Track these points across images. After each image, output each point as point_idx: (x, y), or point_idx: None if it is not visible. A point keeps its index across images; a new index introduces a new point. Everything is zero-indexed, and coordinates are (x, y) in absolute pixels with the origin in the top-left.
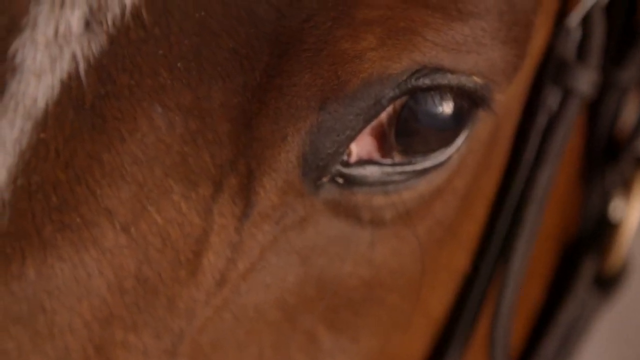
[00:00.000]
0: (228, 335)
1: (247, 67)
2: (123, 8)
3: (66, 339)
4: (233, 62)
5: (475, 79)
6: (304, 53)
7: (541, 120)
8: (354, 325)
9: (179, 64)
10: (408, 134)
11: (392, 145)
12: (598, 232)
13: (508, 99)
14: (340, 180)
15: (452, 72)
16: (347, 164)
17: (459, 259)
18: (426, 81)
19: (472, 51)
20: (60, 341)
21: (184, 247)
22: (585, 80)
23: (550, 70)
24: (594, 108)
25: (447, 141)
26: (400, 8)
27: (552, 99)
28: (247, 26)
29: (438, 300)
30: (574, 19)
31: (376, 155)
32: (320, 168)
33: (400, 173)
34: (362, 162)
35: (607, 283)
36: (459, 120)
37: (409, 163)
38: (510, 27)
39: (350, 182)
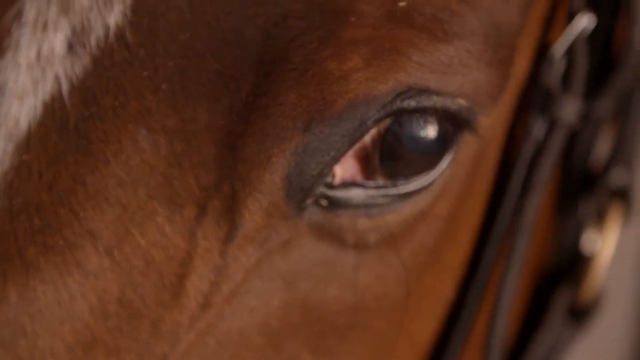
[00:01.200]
0: None
1: (233, 89)
2: (107, 30)
3: None
4: (218, 83)
5: (460, 101)
6: (290, 73)
7: (527, 149)
8: (339, 351)
9: (163, 86)
10: (392, 157)
11: (376, 168)
12: (572, 263)
13: (492, 125)
14: (324, 203)
15: (437, 94)
16: (331, 186)
17: (443, 284)
18: (411, 103)
19: (458, 72)
20: None
21: (167, 270)
22: (570, 110)
23: (536, 99)
24: (570, 139)
25: (431, 165)
26: (386, 28)
27: (538, 128)
28: (233, 47)
29: (423, 326)
30: (559, 48)
31: (360, 178)
32: (304, 190)
33: (384, 196)
34: (346, 185)
35: (581, 314)
36: (443, 143)
37: (393, 186)
38: (495, 49)
39: (334, 204)
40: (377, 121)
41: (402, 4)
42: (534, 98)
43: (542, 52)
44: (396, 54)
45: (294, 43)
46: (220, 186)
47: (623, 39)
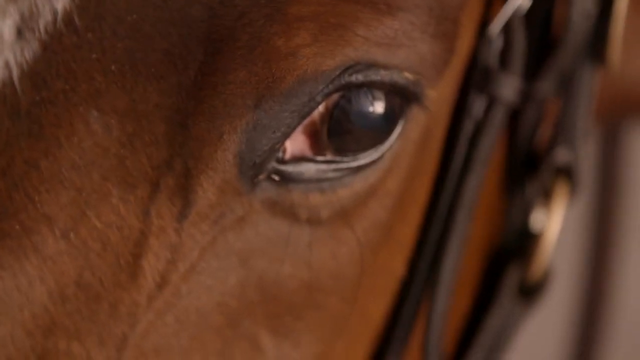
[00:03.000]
0: (172, 341)
1: (181, 67)
2: (55, 14)
3: (8, 350)
4: (167, 62)
5: (407, 75)
6: (238, 51)
7: (467, 127)
8: (296, 329)
9: (113, 68)
10: (340, 132)
11: (325, 143)
12: (521, 242)
13: (438, 100)
14: (277, 178)
15: (384, 67)
16: (282, 161)
17: (395, 263)
18: (359, 77)
19: (403, 45)
20: (2, 352)
21: (124, 250)
22: (508, 88)
23: (475, 77)
24: (514, 118)
25: (380, 140)
26: (331, 4)
27: (477, 106)
28: (179, 27)
29: (377, 305)
30: (496, 26)
31: (309, 153)
32: (256, 166)
33: (335, 170)
34: (297, 160)
35: (531, 292)
36: (391, 118)
37: (343, 160)
38: (439, 21)
39: (286, 179)
40: (326, 96)
41: None
42: (473, 76)
43: (480, 30)
44: (342, 29)
45: (240, 21)
46: (173, 164)
47: (562, 20)
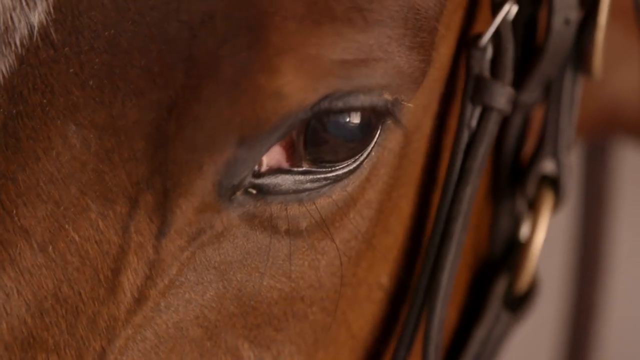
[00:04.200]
0: (151, 355)
1: (161, 85)
2: (31, 28)
3: None
4: (146, 78)
5: (386, 96)
6: (222, 85)
7: (462, 137)
8: (277, 341)
9: (91, 82)
10: (317, 143)
11: (301, 154)
12: (508, 252)
13: (417, 111)
14: (254, 191)
15: (364, 91)
16: (259, 174)
17: (376, 273)
18: (339, 104)
19: (380, 59)
20: None
21: (102, 265)
22: (502, 97)
23: (468, 88)
24: (501, 128)
25: (357, 150)
26: (309, 29)
27: (470, 116)
28: (158, 43)
29: (358, 315)
30: (486, 36)
31: (285, 165)
32: (235, 186)
33: (313, 181)
34: (273, 171)
35: (518, 302)
36: (367, 129)
37: (321, 171)
38: (415, 32)
39: (264, 191)
40: (306, 121)
41: None
42: (466, 86)
43: (470, 39)
44: (323, 59)
45: (223, 49)
46: (152, 182)
47: (544, 28)
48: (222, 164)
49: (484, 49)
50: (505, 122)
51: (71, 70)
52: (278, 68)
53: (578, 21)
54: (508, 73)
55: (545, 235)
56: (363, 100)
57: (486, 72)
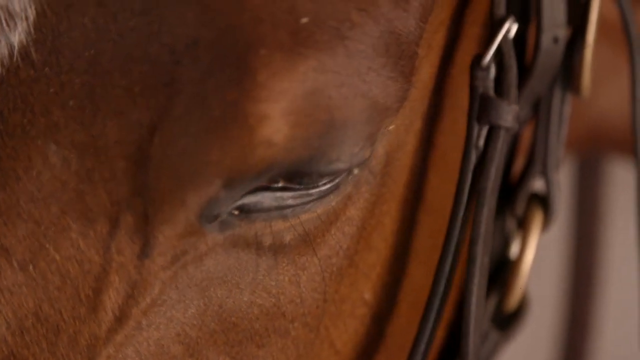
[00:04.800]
0: None
1: (142, 105)
2: (11, 48)
3: None
4: (126, 99)
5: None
6: (212, 123)
7: (471, 158)
8: (259, 357)
9: (71, 102)
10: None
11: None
12: (498, 270)
13: (399, 131)
14: (236, 212)
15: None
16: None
17: (361, 290)
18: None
19: (358, 94)
20: None
21: (83, 284)
22: (509, 115)
23: (473, 108)
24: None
25: (335, 172)
26: (295, 63)
27: (478, 136)
28: (139, 64)
29: (342, 331)
30: (488, 55)
31: (263, 182)
32: (217, 214)
33: (295, 197)
34: (254, 190)
35: (508, 320)
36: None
37: (302, 187)
38: (396, 61)
39: (247, 210)
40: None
41: (304, 20)
42: (470, 106)
43: (472, 60)
44: (313, 106)
45: (210, 82)
46: (132, 203)
47: (533, 46)
48: (205, 201)
49: (487, 68)
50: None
51: (51, 90)
52: (268, 113)
53: (567, 39)
54: (513, 90)
55: (538, 250)
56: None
57: (491, 91)
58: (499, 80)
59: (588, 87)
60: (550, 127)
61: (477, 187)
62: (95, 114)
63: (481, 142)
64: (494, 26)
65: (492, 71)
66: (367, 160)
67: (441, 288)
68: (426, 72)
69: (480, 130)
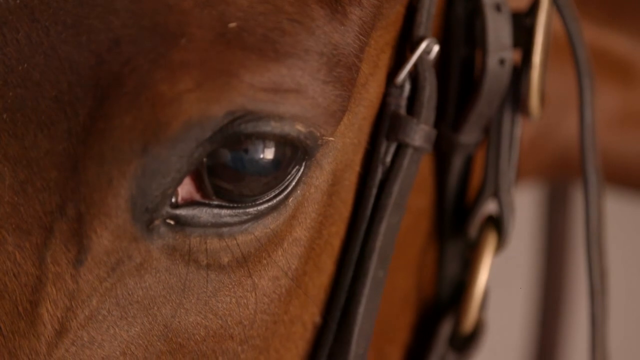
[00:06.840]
0: None
1: (71, 114)
2: None
3: None
4: (57, 109)
5: (299, 127)
6: (124, 96)
7: (377, 173)
8: None
9: (5, 116)
10: (220, 175)
11: (208, 187)
12: (453, 293)
13: (344, 148)
14: (172, 222)
15: (275, 119)
16: (176, 205)
17: (311, 312)
18: (248, 127)
19: (291, 90)
20: None
21: (21, 297)
22: (416, 134)
23: (384, 124)
24: (442, 167)
25: (271, 185)
26: (217, 50)
27: (386, 152)
28: (68, 74)
29: (294, 354)
30: (402, 73)
31: (197, 197)
32: (150, 210)
33: (232, 215)
34: (191, 203)
35: (464, 343)
36: (280, 164)
37: (239, 206)
38: (331, 67)
39: (182, 223)
40: (216, 143)
41: (232, 25)
42: (382, 122)
43: (388, 77)
44: (227, 76)
45: (127, 67)
46: (65, 209)
47: (480, 69)
48: (131, 177)
49: (401, 86)
50: (446, 163)
51: None
52: (179, 77)
53: (514, 62)
54: (425, 111)
55: (507, 275)
56: (274, 126)
57: (402, 110)
58: (414, 99)
59: (537, 108)
60: (501, 149)
61: (379, 203)
62: (27, 126)
63: (388, 158)
64: (412, 46)
65: (407, 90)
66: (309, 177)
67: (341, 301)
68: (374, 91)
69: (388, 147)
